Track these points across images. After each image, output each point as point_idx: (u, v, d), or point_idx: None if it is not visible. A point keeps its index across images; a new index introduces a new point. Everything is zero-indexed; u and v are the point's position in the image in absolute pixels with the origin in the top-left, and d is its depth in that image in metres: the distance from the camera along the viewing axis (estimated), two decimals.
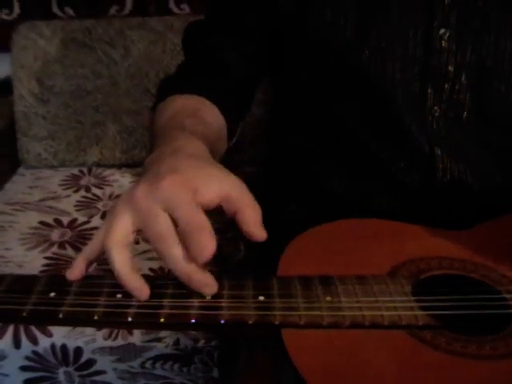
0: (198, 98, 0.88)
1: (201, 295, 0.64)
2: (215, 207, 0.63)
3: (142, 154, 1.59)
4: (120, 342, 1.11)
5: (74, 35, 1.58)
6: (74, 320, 0.65)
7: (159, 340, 1.10)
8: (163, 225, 0.60)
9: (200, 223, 0.60)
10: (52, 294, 0.65)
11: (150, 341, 1.10)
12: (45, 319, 0.67)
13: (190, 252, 0.59)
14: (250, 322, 0.63)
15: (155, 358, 1.11)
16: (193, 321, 0.63)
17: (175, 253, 0.60)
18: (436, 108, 0.84)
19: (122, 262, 0.62)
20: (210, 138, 0.79)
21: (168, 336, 1.10)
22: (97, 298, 0.64)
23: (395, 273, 0.70)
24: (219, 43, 0.92)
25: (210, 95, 0.88)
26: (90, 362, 1.13)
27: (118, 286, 0.65)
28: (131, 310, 0.63)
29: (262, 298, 0.66)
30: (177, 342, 1.09)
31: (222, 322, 0.63)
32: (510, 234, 0.78)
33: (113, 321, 0.64)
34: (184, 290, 0.65)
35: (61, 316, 0.63)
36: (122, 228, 0.62)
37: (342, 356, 0.60)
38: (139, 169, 1.58)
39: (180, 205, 0.60)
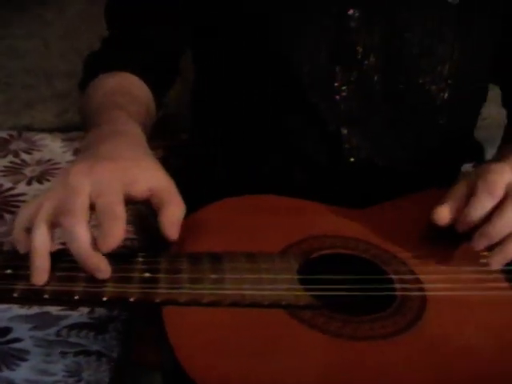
0: (126, 75, 0.89)
1: None
2: (143, 200, 0.66)
3: (75, 119, 1.56)
4: (36, 310, 1.10)
5: None
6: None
7: (74, 308, 1.09)
8: (79, 203, 0.62)
9: (116, 213, 0.62)
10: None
11: (65, 309, 1.09)
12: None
13: (98, 238, 0.61)
14: (132, 300, 0.63)
15: (70, 327, 1.11)
16: (76, 297, 0.63)
17: (78, 231, 0.61)
18: (344, 88, 0.84)
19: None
20: (142, 115, 0.82)
21: None
22: None
23: (286, 251, 0.71)
24: (141, 17, 0.92)
25: (136, 70, 0.89)
26: (7, 330, 1.12)
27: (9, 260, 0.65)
28: (18, 287, 0.63)
29: (147, 274, 0.66)
30: (92, 311, 1.09)
31: (104, 299, 0.63)
32: (406, 215, 0.79)
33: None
34: (74, 263, 0.64)
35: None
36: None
37: (220, 335, 0.61)
38: (71, 133, 1.55)
39: (106, 192, 0.63)
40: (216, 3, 0.87)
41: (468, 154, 1.02)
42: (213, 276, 0.66)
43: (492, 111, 1.13)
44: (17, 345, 1.14)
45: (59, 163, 1.44)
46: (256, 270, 0.67)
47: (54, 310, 1.10)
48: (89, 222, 0.63)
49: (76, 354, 1.15)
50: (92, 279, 0.64)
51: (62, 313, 1.09)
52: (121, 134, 0.73)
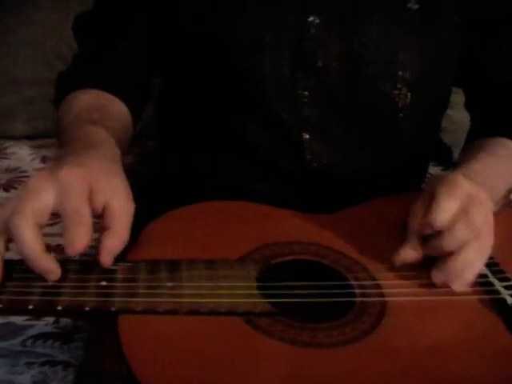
0: (99, 93, 0.88)
1: (43, 279, 0.63)
2: (96, 213, 0.65)
3: (43, 126, 1.55)
4: (0, 320, 1.08)
5: None
6: None
7: (39, 318, 1.08)
8: (31, 205, 0.61)
9: (82, 218, 0.61)
10: None
11: (30, 319, 1.08)
12: None
13: (64, 242, 0.61)
14: (87, 309, 0.62)
15: (36, 337, 1.10)
16: (30, 307, 0.62)
17: (24, 232, 0.61)
18: (306, 94, 0.84)
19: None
20: (118, 131, 0.81)
21: None
22: None
23: (246, 257, 0.70)
24: (111, 34, 0.91)
25: (110, 87, 0.88)
26: None
27: None
28: None
29: (104, 282, 0.65)
30: (57, 321, 1.08)
31: (59, 308, 0.62)
32: (368, 221, 0.79)
33: None
34: (31, 273, 0.63)
35: None
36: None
37: (175, 344, 0.60)
38: (39, 141, 1.54)
39: (71, 196, 0.62)
40: (175, 20, 0.87)
41: (436, 157, 1.02)
42: (170, 284, 0.65)
43: (461, 115, 1.13)
44: None
45: (27, 171, 1.44)
46: (214, 278, 0.66)
47: (18, 319, 1.09)
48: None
49: (42, 364, 1.13)
50: (47, 289, 0.63)
51: (27, 322, 1.08)
52: (94, 147, 0.72)
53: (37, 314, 0.75)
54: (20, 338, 1.10)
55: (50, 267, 0.63)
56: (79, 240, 0.61)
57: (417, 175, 0.98)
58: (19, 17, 1.53)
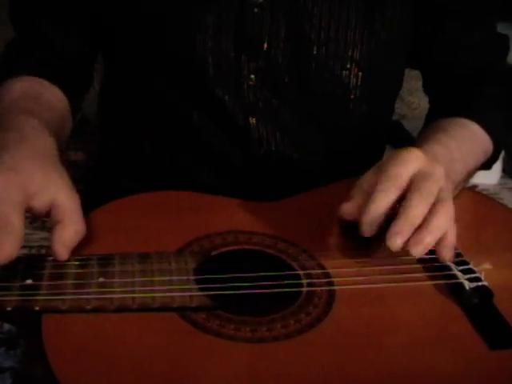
0: (36, 80, 0.83)
1: None
2: (44, 213, 0.63)
3: None
4: None
5: None
6: None
7: None
8: None
9: (10, 226, 0.59)
10: None
11: None
12: None
13: None
14: (9, 309, 0.57)
15: None
16: None
17: None
18: (252, 77, 0.80)
19: None
20: (55, 120, 0.78)
21: None
22: None
23: (183, 249, 0.65)
24: (46, 19, 0.86)
25: (46, 74, 0.84)
26: None
27: None
28: None
29: (29, 281, 0.60)
30: (1, 326, 1.02)
31: None
32: (317, 208, 0.75)
33: None
34: None
35: None
36: None
37: (101, 345, 0.55)
38: None
39: (2, 203, 0.60)
40: (115, 4, 0.82)
41: (394, 143, 0.98)
42: (100, 280, 0.60)
43: (422, 101, 1.10)
44: None
45: None
46: (149, 272, 0.62)
47: None
48: None
49: None
50: None
51: None
52: (27, 141, 0.68)
53: None
54: None
55: None
56: (5, 250, 0.58)
57: (371, 161, 0.94)
58: None
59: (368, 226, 0.64)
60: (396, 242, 0.62)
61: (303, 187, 0.78)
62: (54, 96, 0.84)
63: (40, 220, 0.67)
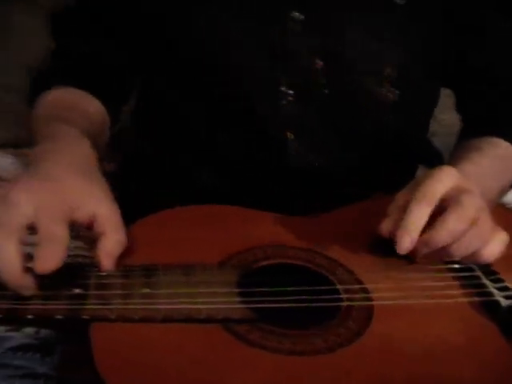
0: (75, 90, 0.86)
1: None
2: (85, 225, 0.65)
3: (25, 134, 1.52)
4: None
5: None
6: None
7: (17, 330, 1.05)
8: (14, 219, 0.60)
9: (54, 237, 0.60)
10: None
11: (9, 330, 1.05)
12: None
13: (34, 259, 0.59)
14: (59, 317, 0.59)
15: (15, 348, 1.06)
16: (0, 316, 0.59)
17: (7, 246, 0.59)
18: (290, 92, 0.82)
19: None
20: (93, 131, 0.80)
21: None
22: None
23: (225, 262, 0.67)
24: (87, 31, 0.89)
25: (86, 85, 0.86)
26: None
27: None
28: None
29: (77, 290, 0.62)
30: (37, 332, 1.04)
31: (29, 317, 0.59)
32: (353, 223, 0.76)
33: None
34: None
35: None
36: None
37: (150, 352, 0.57)
38: (22, 149, 1.51)
39: (48, 214, 0.61)
40: (155, 20, 0.84)
41: (425, 161, 1.00)
42: (146, 290, 0.62)
43: (451, 118, 1.11)
44: None
45: (8, 179, 1.40)
46: (192, 284, 0.63)
47: None
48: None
49: (22, 376, 1.10)
50: (18, 296, 0.60)
51: (6, 334, 1.05)
52: (67, 151, 0.70)
53: (6, 323, 0.72)
54: None
55: (27, 284, 0.60)
56: (51, 260, 0.59)
57: (404, 178, 0.95)
58: (3, 23, 1.50)
59: (403, 243, 0.65)
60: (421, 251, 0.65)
61: (335, 202, 0.80)
62: (92, 106, 0.86)
63: (74, 229, 0.68)
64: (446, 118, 1.35)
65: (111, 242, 0.64)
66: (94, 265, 0.64)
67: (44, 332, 1.05)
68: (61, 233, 0.61)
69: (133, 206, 0.74)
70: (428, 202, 0.65)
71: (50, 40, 0.96)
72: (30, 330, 1.05)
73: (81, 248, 0.85)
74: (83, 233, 0.73)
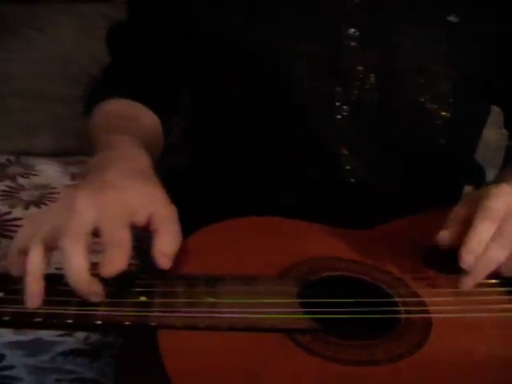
0: (131, 102, 0.88)
1: None
2: (143, 227, 0.67)
3: (71, 143, 1.56)
4: (29, 336, 1.08)
5: (3, 20, 1.54)
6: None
7: (69, 334, 1.07)
8: (81, 225, 0.62)
9: (120, 241, 0.63)
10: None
11: (59, 335, 1.07)
12: None
13: (100, 263, 0.62)
14: (127, 323, 0.61)
15: (65, 353, 1.09)
16: (69, 321, 0.61)
17: (75, 251, 0.61)
18: (345, 107, 0.83)
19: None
20: (150, 142, 0.82)
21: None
22: None
23: (285, 273, 0.69)
24: (142, 44, 0.91)
25: (141, 97, 0.88)
26: (0, 357, 1.10)
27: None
28: (9, 310, 0.62)
29: (143, 298, 0.64)
30: (87, 337, 1.07)
31: (98, 322, 0.61)
32: (407, 236, 0.77)
33: None
34: (68, 287, 0.63)
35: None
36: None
37: (217, 360, 0.59)
38: (68, 158, 1.54)
39: (112, 219, 0.63)
40: (210, 31, 0.86)
41: (469, 177, 1.00)
42: (210, 299, 0.64)
43: (491, 133, 1.11)
44: (9, 372, 1.12)
45: (56, 188, 1.44)
46: (254, 294, 0.65)
47: (47, 335, 1.08)
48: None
49: (71, 381, 1.13)
50: (86, 303, 0.62)
51: (57, 339, 1.07)
52: (126, 159, 0.73)
53: (74, 328, 0.74)
54: (49, 355, 1.09)
55: (95, 290, 0.62)
56: (117, 262, 0.62)
57: (451, 193, 0.96)
58: (50, 36, 1.54)
59: (468, 259, 0.66)
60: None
61: (384, 216, 0.81)
62: (148, 118, 0.88)
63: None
64: (485, 133, 1.35)
65: (165, 241, 0.66)
66: (158, 272, 0.66)
67: (94, 337, 1.07)
68: (123, 237, 0.63)
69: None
70: (492, 220, 0.66)
71: (99, 55, 0.98)
72: (80, 335, 1.08)
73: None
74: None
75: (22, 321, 0.63)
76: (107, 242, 0.63)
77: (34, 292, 0.62)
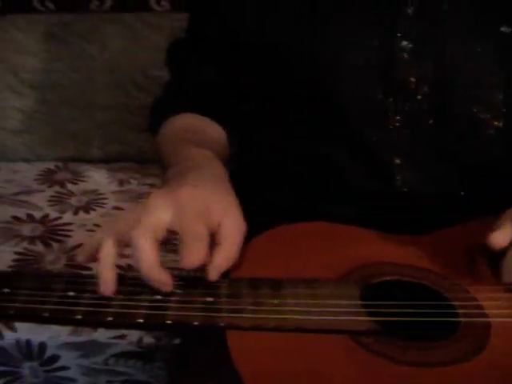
0: (198, 116, 0.92)
1: (150, 294, 0.65)
2: (211, 231, 0.67)
3: (118, 150, 1.59)
4: (84, 337, 1.10)
5: (52, 29, 1.57)
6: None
7: (123, 337, 1.10)
8: (152, 219, 0.65)
9: (198, 234, 0.65)
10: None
11: (113, 337, 1.10)
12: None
13: (180, 256, 0.64)
14: (196, 324, 0.63)
15: (118, 355, 1.11)
16: (140, 320, 0.64)
17: (143, 243, 0.63)
18: (398, 118, 0.84)
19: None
20: (220, 153, 0.85)
21: (131, 333, 1.09)
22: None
23: (346, 277, 0.71)
24: (201, 60, 0.94)
25: (207, 112, 0.92)
26: (54, 358, 1.13)
27: (70, 283, 0.66)
28: (81, 308, 0.64)
29: (209, 298, 0.66)
30: (140, 340, 1.09)
31: (168, 322, 0.63)
32: (462, 241, 0.78)
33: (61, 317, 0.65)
34: (136, 287, 0.65)
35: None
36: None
37: (284, 360, 0.61)
38: (115, 164, 1.58)
39: (188, 214, 0.66)
40: (262, 43, 0.88)
41: None
42: (274, 301, 0.66)
43: None
44: (63, 373, 1.15)
45: (104, 193, 1.47)
46: (317, 296, 0.67)
47: (102, 337, 1.10)
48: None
49: (123, 383, 1.15)
50: (155, 303, 0.64)
51: (111, 341, 1.10)
52: (204, 167, 0.76)
53: (144, 328, 0.77)
54: (102, 356, 1.12)
55: (165, 279, 0.65)
56: (197, 254, 0.64)
57: (504, 203, 0.97)
58: (98, 46, 1.57)
59: None
60: None
61: (437, 224, 0.82)
62: (216, 131, 0.92)
63: (169, 243, 0.72)
64: None
65: (223, 257, 0.68)
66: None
67: (146, 340, 1.10)
68: (202, 231, 0.66)
69: None
70: None
71: (145, 64, 1.01)
72: (133, 337, 1.10)
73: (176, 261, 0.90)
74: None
75: (94, 320, 0.65)
76: (186, 234, 0.65)
77: (106, 280, 0.64)
